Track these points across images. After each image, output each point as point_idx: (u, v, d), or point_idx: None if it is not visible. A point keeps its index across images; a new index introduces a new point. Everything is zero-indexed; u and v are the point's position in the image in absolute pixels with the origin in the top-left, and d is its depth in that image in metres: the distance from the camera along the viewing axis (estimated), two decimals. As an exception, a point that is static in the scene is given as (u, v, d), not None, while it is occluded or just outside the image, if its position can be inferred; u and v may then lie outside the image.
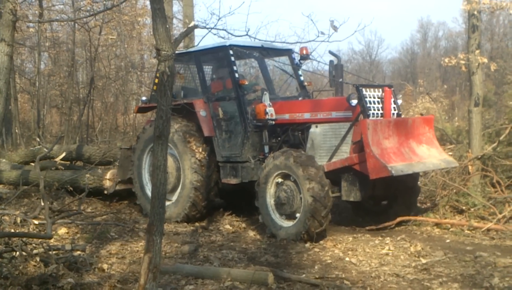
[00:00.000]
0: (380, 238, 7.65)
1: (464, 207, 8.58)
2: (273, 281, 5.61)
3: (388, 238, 7.61)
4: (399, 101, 8.38)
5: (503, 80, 23.14)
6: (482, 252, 6.64)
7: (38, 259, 5.71)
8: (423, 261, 6.46)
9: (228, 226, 8.81)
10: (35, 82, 21.32)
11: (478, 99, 9.64)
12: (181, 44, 12.80)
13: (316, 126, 8.19)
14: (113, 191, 10.37)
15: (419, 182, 8.93)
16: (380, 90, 7.96)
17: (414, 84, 30.70)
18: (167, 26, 4.50)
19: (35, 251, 5.97)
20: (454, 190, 8.83)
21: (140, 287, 4.41)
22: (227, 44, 8.77)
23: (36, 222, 7.97)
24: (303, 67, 10.01)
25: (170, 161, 8.87)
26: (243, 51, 9.05)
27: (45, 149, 11.51)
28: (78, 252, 6.62)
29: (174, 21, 18.83)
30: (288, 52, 9.81)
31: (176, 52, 4.61)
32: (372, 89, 7.93)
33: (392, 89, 8.12)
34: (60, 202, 10.22)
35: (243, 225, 8.88)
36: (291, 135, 8.61)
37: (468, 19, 9.89)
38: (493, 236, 7.59)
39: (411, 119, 8.35)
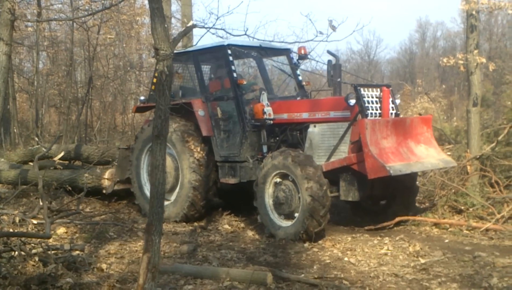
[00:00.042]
0: (379, 238, 7.65)
1: (462, 207, 8.58)
2: (272, 281, 5.61)
3: (387, 238, 7.62)
4: (397, 101, 8.37)
5: (501, 80, 23.14)
6: (481, 252, 6.65)
7: (37, 258, 5.71)
8: (422, 261, 6.46)
9: (226, 226, 8.81)
10: (34, 82, 21.33)
11: (477, 99, 9.64)
12: (180, 44, 12.79)
13: (315, 126, 8.18)
14: (112, 190, 10.37)
15: (417, 182, 8.94)
16: (378, 90, 7.95)
17: (413, 84, 30.68)
18: (166, 25, 4.50)
19: (34, 251, 5.96)
20: (453, 190, 8.83)
21: (139, 287, 4.41)
22: (225, 43, 8.76)
23: (34, 221, 7.97)
24: (302, 66, 10.03)
25: (168, 160, 8.86)
26: (242, 51, 9.04)
27: (43, 149, 11.52)
28: (77, 252, 6.62)
29: (173, 20, 18.88)
30: (286, 52, 9.80)
31: (175, 51, 4.60)
32: (370, 89, 7.93)
33: (390, 89, 8.11)
34: (58, 201, 10.21)
35: (242, 225, 8.87)
36: (290, 135, 8.60)
37: (467, 19, 9.89)
38: (492, 236, 7.59)
39: (410, 119, 8.33)
